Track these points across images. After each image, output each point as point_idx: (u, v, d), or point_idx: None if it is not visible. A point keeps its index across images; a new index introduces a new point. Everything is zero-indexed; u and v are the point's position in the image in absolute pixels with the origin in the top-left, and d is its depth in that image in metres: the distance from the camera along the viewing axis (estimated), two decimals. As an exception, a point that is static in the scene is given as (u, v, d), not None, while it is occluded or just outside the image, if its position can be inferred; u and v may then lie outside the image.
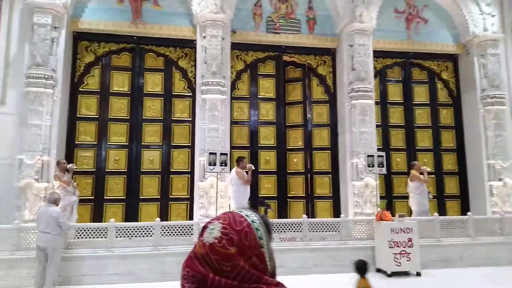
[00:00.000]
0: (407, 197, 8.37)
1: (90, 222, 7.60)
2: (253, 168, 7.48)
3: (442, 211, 9.11)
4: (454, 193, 9.49)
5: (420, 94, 9.66)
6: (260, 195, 8.64)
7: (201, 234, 0.87)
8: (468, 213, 7.83)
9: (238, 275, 0.82)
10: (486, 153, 8.79)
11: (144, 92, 8.53)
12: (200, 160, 7.64)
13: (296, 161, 9.13)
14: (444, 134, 9.63)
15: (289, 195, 9.01)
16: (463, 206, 9.30)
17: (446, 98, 9.74)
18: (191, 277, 0.82)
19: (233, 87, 8.69)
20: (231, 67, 8.48)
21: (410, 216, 7.85)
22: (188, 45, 8.54)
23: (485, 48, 8.96)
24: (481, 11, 9.08)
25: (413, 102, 9.59)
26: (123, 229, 6.37)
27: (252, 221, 0.88)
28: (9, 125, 7.37)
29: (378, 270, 6.77)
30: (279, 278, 0.89)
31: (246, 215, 0.89)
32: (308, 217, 7.96)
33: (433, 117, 9.61)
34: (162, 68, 8.64)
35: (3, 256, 5.79)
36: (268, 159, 8.92)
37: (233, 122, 8.68)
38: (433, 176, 9.35)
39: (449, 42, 9.55)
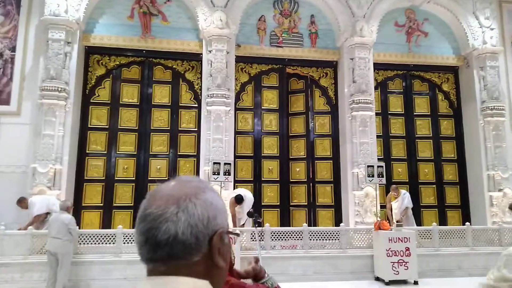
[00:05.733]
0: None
1: (100, 228, 7.91)
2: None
3: (443, 220, 9.25)
4: (455, 203, 9.61)
5: (421, 105, 9.85)
6: (263, 204, 8.89)
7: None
8: (467, 223, 7.95)
9: None
10: (486, 164, 8.93)
11: (152, 103, 8.87)
12: (205, 169, 7.92)
13: (298, 170, 9.36)
14: (445, 145, 9.78)
15: (291, 204, 9.23)
16: (464, 216, 9.40)
17: (446, 109, 9.91)
18: None
19: (237, 98, 8.98)
20: (235, 79, 8.79)
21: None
22: (195, 58, 8.88)
23: (485, 61, 9.14)
24: (480, 24, 9.29)
25: (414, 113, 9.78)
26: (130, 236, 6.65)
27: None
28: (24, 135, 7.77)
29: (377, 279, 6.93)
30: (281, 285, 1.28)
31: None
32: (310, 226, 8.20)
33: (434, 128, 9.78)
34: (170, 80, 8.99)
35: (17, 260, 6.12)
36: (271, 168, 9.16)
37: (238, 132, 8.96)
38: (434, 186, 9.53)
39: (450, 55, 9.75)
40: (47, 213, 6.62)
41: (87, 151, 8.42)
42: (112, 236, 6.58)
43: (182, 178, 0.78)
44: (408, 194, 8.40)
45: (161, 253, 0.67)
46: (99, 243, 6.50)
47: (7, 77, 8.09)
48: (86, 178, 8.29)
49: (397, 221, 7.40)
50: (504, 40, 9.70)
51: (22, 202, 6.73)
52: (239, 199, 7.27)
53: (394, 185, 8.44)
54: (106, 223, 8.17)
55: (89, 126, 8.51)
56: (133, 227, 6.90)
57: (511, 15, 9.93)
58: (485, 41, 9.18)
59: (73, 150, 8.04)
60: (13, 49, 8.18)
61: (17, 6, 8.36)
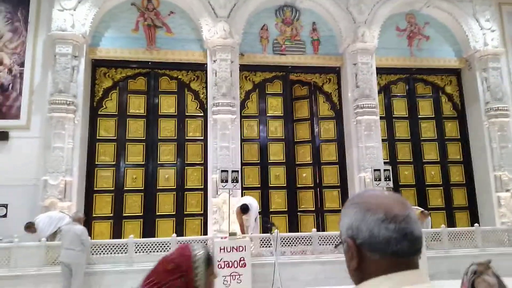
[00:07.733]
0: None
1: (110, 238, 7.97)
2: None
3: (451, 222, 9.24)
4: (462, 204, 9.61)
5: (425, 108, 9.90)
6: (271, 210, 8.94)
7: None
8: (475, 224, 7.95)
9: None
10: (492, 165, 8.94)
11: (159, 113, 8.99)
12: (213, 177, 8.00)
13: (305, 176, 9.41)
14: (450, 147, 9.80)
15: (299, 209, 9.27)
16: (472, 217, 9.39)
17: (450, 111, 9.96)
18: None
19: (242, 106, 9.09)
20: (240, 87, 8.90)
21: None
22: (200, 68, 9.02)
23: (487, 62, 9.20)
24: (481, 26, 9.37)
25: (419, 116, 9.83)
26: (141, 245, 6.72)
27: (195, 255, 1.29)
28: (34, 148, 7.89)
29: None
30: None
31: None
32: (319, 230, 8.22)
33: (439, 130, 9.82)
34: (175, 90, 9.12)
35: (31, 272, 6.19)
36: (278, 175, 9.22)
37: (244, 140, 9.05)
38: (440, 188, 9.54)
39: (452, 57, 9.82)
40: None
41: (96, 162, 8.53)
42: (124, 246, 6.64)
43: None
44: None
45: (418, 246, 0.82)
46: (111, 253, 6.56)
47: (16, 92, 8.24)
48: (95, 189, 8.40)
49: None
50: (505, 41, 9.76)
51: (30, 228, 6.69)
52: (244, 209, 7.28)
53: (427, 211, 8.18)
54: (116, 233, 8.24)
55: (98, 137, 8.64)
56: (143, 236, 6.98)
57: (511, 16, 10.01)
58: (486, 43, 9.26)
59: (83, 162, 8.16)
60: (21, 64, 8.35)
61: (24, 23, 8.55)
